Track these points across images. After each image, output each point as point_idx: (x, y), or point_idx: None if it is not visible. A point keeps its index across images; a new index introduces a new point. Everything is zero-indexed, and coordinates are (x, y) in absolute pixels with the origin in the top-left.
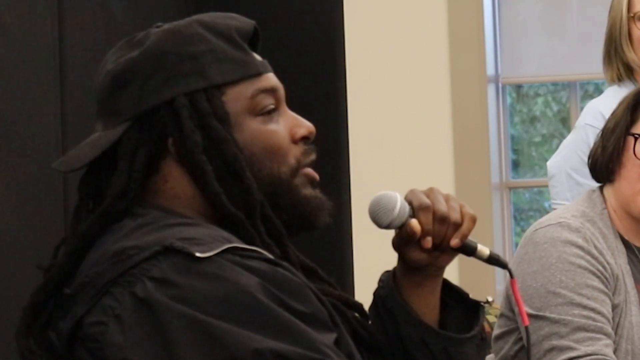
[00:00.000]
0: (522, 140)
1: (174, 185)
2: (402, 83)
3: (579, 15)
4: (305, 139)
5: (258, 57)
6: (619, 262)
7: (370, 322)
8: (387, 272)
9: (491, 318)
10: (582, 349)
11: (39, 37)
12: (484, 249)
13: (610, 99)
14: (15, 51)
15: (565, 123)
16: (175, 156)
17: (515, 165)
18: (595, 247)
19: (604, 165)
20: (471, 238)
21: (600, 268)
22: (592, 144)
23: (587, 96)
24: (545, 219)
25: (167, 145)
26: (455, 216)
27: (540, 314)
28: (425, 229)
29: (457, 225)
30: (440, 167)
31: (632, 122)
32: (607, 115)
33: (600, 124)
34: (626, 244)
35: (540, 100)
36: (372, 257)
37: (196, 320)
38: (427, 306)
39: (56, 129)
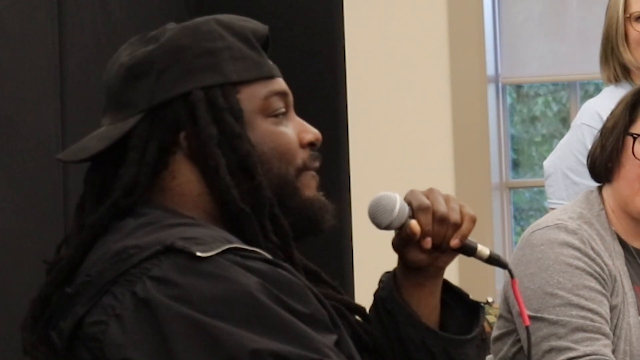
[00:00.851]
0: (522, 140)
1: (182, 182)
2: (402, 83)
3: (578, 16)
4: (312, 145)
5: (269, 61)
6: (617, 263)
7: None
8: (387, 273)
9: (491, 318)
10: (581, 349)
11: (39, 38)
12: (484, 249)
13: (606, 99)
14: (15, 51)
15: (565, 123)
16: (187, 151)
17: (515, 165)
18: (593, 248)
19: (602, 165)
20: (471, 238)
21: (598, 269)
22: (588, 144)
23: (587, 96)
24: (542, 221)
25: (179, 139)
26: (455, 217)
27: (539, 315)
28: (425, 229)
29: (457, 226)
30: (440, 167)
31: (630, 122)
32: (604, 115)
33: (596, 124)
34: (624, 245)
35: (540, 100)
36: (372, 258)
37: (195, 320)
38: (427, 307)
39: (56, 129)
